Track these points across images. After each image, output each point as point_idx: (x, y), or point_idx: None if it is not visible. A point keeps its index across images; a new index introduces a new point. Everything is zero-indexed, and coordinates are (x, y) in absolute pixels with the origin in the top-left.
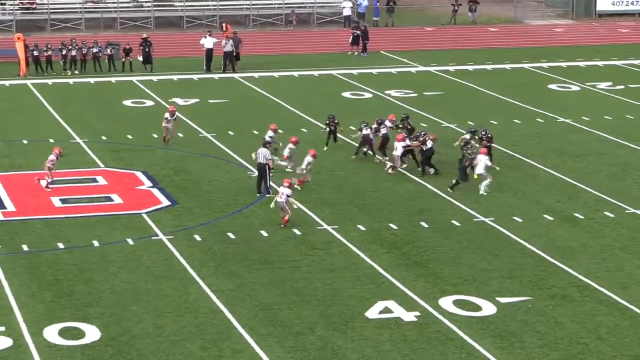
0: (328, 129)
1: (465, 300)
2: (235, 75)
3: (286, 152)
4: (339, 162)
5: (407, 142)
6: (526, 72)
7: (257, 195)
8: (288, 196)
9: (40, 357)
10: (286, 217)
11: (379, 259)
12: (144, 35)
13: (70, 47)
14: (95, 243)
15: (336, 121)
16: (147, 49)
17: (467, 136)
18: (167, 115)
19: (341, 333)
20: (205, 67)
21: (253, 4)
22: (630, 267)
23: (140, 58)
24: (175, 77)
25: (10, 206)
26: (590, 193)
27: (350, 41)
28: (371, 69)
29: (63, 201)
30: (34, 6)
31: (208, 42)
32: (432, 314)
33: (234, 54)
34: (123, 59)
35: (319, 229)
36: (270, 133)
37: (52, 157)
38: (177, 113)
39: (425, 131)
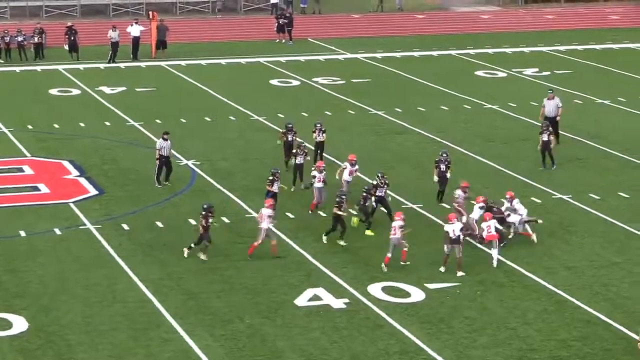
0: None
1: (394, 287)
2: (163, 63)
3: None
4: (267, 151)
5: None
6: (453, 59)
7: (158, 186)
8: (401, 227)
9: None
10: (405, 250)
11: (308, 247)
12: (69, 24)
13: None
14: (22, 233)
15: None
16: (72, 37)
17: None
18: None
19: (270, 321)
20: (132, 55)
21: None
22: (558, 252)
23: (66, 47)
24: (101, 66)
25: None
26: (517, 179)
27: (275, 29)
28: (299, 56)
29: None
30: None
31: (135, 30)
32: (361, 300)
33: (118, 45)
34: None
35: (248, 217)
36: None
37: (459, 192)
38: None
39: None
